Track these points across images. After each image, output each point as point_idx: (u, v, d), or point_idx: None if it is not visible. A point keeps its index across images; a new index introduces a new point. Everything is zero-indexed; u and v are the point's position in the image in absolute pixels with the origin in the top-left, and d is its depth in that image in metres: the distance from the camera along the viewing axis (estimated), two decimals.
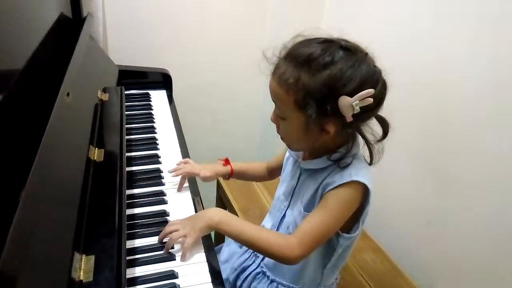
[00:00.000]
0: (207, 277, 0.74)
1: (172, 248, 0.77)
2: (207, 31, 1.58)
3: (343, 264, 0.89)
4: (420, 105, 1.23)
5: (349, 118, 0.68)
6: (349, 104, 0.66)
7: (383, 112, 0.77)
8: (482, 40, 1.02)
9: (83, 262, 0.61)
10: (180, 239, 0.76)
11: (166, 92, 1.44)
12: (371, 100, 0.66)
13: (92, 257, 0.62)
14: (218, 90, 1.70)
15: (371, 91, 0.66)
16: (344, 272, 1.21)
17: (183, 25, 1.54)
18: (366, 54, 0.71)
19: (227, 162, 1.00)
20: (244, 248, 0.95)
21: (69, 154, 0.77)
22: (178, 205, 0.91)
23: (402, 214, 1.35)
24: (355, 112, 0.67)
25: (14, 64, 0.72)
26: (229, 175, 1.00)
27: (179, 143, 1.16)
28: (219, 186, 1.56)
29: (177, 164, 1.00)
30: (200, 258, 0.78)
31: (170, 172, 0.97)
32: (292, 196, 0.86)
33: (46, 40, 0.89)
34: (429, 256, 1.26)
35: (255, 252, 0.93)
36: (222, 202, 1.54)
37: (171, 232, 0.77)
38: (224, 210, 0.82)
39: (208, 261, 0.78)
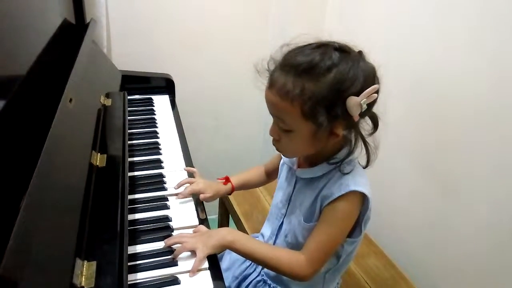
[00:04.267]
0: (209, 283, 0.74)
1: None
2: (209, 36, 1.59)
3: (345, 269, 0.89)
4: (420, 106, 1.23)
5: (356, 118, 0.68)
6: (357, 103, 0.66)
7: (383, 114, 0.77)
8: (482, 40, 1.01)
9: (84, 268, 0.61)
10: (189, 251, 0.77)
11: (169, 97, 1.44)
12: (376, 95, 0.67)
13: (94, 263, 0.62)
14: (220, 94, 1.71)
15: (376, 86, 0.66)
16: (348, 277, 1.20)
17: (185, 30, 1.55)
18: (360, 52, 0.71)
19: (227, 180, 0.99)
20: None
21: (72, 160, 0.77)
22: (181, 211, 0.91)
23: (405, 219, 1.35)
24: (363, 110, 0.67)
25: (17, 69, 0.73)
26: (230, 192, 1.00)
27: (181, 148, 1.16)
28: None
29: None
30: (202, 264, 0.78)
31: (176, 188, 0.96)
32: (289, 204, 0.85)
33: (49, 45, 0.89)
34: (432, 261, 1.25)
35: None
36: (225, 207, 1.54)
37: (178, 242, 0.77)
38: (236, 230, 0.82)
39: (210, 267, 0.77)
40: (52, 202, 0.61)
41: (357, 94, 0.66)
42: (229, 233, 0.79)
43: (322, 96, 0.66)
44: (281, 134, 0.73)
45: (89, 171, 0.79)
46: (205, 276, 0.75)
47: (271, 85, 0.70)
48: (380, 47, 1.33)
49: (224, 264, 0.98)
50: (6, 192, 0.56)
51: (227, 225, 1.61)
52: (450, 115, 1.13)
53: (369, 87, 0.66)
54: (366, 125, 0.75)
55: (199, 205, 0.94)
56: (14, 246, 0.47)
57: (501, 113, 0.99)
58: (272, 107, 0.71)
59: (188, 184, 0.95)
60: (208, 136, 1.76)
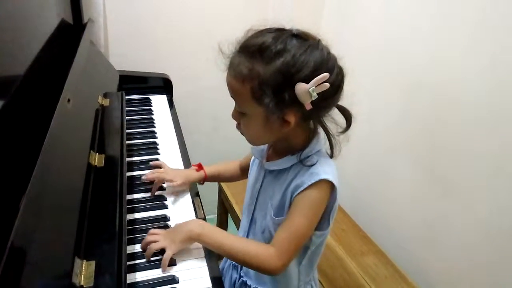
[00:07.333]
0: (208, 282, 0.74)
1: (154, 257, 0.77)
2: (207, 35, 1.58)
3: (318, 259, 0.87)
4: (420, 107, 1.23)
5: (308, 106, 0.66)
6: (305, 90, 0.65)
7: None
8: (482, 41, 1.02)
9: (83, 268, 0.61)
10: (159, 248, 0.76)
11: (167, 97, 1.44)
12: (327, 85, 0.65)
13: (93, 263, 0.62)
14: (218, 94, 1.70)
15: (326, 75, 0.65)
16: (347, 276, 1.20)
17: (183, 30, 1.55)
18: (319, 40, 0.69)
19: (200, 167, 0.99)
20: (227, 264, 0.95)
21: (70, 160, 0.78)
22: (179, 210, 0.92)
23: (404, 218, 1.35)
24: (313, 98, 0.65)
25: (15, 70, 0.73)
26: (203, 180, 0.99)
27: (179, 147, 1.17)
28: (221, 190, 1.56)
29: (151, 164, 1.00)
30: (200, 263, 0.78)
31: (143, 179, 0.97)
32: (257, 200, 0.84)
33: (47, 46, 0.89)
34: (431, 260, 1.25)
35: (233, 263, 0.92)
36: (224, 206, 1.54)
37: (150, 242, 0.77)
38: (206, 222, 0.80)
39: (208, 266, 0.78)
40: (51, 202, 0.62)
41: (306, 81, 0.65)
42: (197, 226, 0.77)
43: (270, 79, 0.66)
44: (239, 117, 0.74)
45: (87, 171, 0.80)
46: (204, 275, 0.76)
47: (229, 66, 0.72)
48: (380, 49, 1.33)
49: None
50: (5, 192, 0.56)
51: (226, 224, 1.62)
52: (450, 117, 1.13)
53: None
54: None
55: (197, 204, 0.94)
56: (14, 245, 0.47)
57: (500, 115, 0.99)
58: (229, 88, 0.72)
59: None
60: (206, 137, 1.76)
